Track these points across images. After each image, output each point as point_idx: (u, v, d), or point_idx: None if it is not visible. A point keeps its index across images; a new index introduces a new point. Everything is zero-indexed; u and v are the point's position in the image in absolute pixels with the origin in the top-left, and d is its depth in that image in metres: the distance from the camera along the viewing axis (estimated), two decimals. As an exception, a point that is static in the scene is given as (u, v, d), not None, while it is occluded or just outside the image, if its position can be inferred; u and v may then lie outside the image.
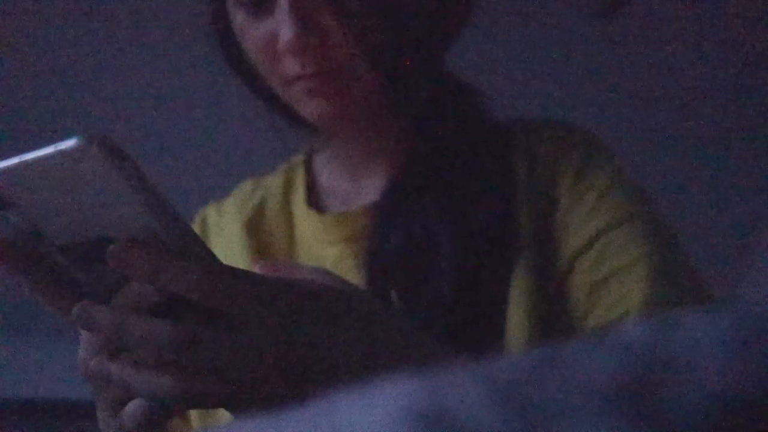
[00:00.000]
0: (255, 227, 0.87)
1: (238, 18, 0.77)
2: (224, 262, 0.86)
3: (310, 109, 0.76)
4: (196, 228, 0.92)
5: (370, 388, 0.24)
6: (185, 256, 0.48)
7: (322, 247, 0.83)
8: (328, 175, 0.88)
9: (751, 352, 0.23)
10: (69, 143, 0.43)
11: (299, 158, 0.91)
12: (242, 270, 0.51)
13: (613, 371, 0.23)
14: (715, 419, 0.22)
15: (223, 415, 0.74)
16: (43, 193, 0.47)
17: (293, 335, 0.50)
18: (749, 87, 2.02)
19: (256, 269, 0.56)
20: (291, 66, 0.74)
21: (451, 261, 0.74)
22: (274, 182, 0.91)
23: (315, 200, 0.87)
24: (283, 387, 0.50)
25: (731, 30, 1.96)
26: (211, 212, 0.92)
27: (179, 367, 0.49)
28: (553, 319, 0.74)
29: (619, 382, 0.22)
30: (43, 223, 0.50)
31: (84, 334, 0.54)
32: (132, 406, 0.53)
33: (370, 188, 0.83)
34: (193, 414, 0.83)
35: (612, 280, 0.73)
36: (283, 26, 0.73)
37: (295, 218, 0.87)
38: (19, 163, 0.45)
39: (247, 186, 0.93)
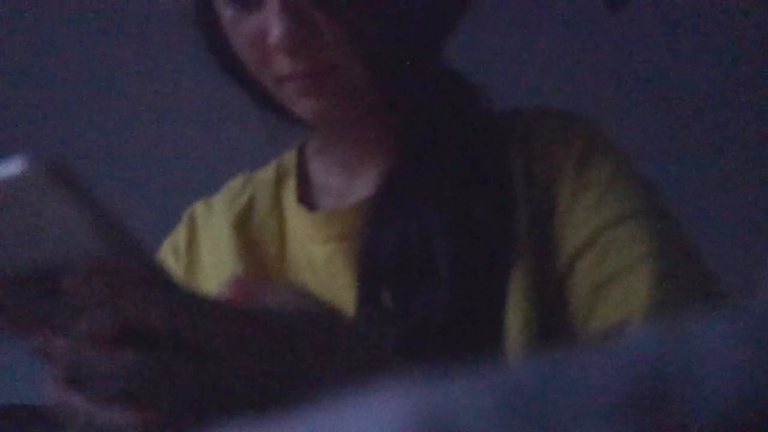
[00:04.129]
0: (244, 225, 0.85)
1: (227, 14, 0.75)
2: (212, 261, 0.85)
3: (302, 107, 0.75)
4: (184, 226, 0.90)
5: (372, 397, 0.24)
6: (144, 283, 0.46)
7: (313, 246, 0.81)
8: (320, 171, 0.86)
9: (764, 359, 0.22)
10: (12, 170, 0.41)
11: (291, 155, 0.90)
12: (205, 297, 0.49)
13: (623, 381, 0.22)
14: (727, 428, 0.21)
15: None
16: None
17: (259, 365, 0.48)
18: (762, 80, 2.00)
19: (228, 288, 0.53)
20: (281, 64, 0.72)
21: (446, 261, 0.71)
22: (264, 179, 0.89)
23: (306, 197, 0.85)
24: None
25: (741, 23, 1.94)
26: (199, 210, 0.90)
27: (143, 400, 0.47)
28: (554, 320, 0.72)
29: (629, 391, 0.22)
30: None
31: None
32: None
33: (363, 185, 0.81)
34: None
35: (614, 281, 0.70)
36: (272, 23, 0.71)
37: (286, 216, 0.85)
38: None
39: (237, 183, 0.91)
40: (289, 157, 0.89)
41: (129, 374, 0.46)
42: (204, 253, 0.87)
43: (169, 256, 0.88)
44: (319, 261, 0.80)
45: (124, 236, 0.45)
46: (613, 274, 0.70)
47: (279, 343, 0.49)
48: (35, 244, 0.46)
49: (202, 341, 0.47)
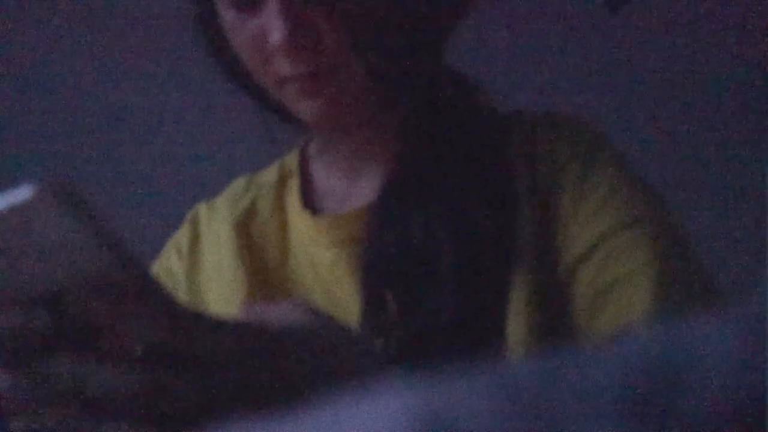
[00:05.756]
0: (246, 228, 0.85)
1: (227, 16, 0.75)
2: (214, 262, 0.85)
3: (303, 109, 0.75)
4: (187, 227, 0.90)
5: (373, 397, 0.24)
6: (144, 300, 0.47)
7: (317, 251, 0.81)
8: (322, 174, 0.86)
9: (759, 360, 0.22)
10: (21, 197, 0.42)
11: (293, 156, 0.89)
12: (203, 313, 0.49)
13: (621, 380, 0.22)
14: (726, 426, 0.21)
15: None
16: None
17: (258, 379, 0.48)
18: (762, 80, 2.00)
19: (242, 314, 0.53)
20: (282, 66, 0.72)
21: (450, 265, 0.71)
22: (267, 181, 0.89)
23: (309, 201, 0.85)
24: None
25: (739, 25, 1.94)
26: (202, 211, 0.90)
27: (147, 417, 0.47)
28: (555, 325, 0.72)
29: (626, 391, 0.22)
30: None
31: None
32: None
33: (367, 188, 0.81)
34: None
35: (615, 289, 0.70)
36: (272, 25, 0.71)
37: (289, 219, 0.85)
38: None
39: (239, 184, 0.91)
40: (291, 159, 0.89)
41: (130, 394, 0.46)
42: (206, 255, 0.87)
43: (173, 256, 0.88)
44: (323, 265, 0.79)
45: (123, 254, 0.46)
46: (614, 281, 0.70)
47: (277, 357, 0.49)
48: (41, 264, 0.47)
49: (199, 356, 0.47)
